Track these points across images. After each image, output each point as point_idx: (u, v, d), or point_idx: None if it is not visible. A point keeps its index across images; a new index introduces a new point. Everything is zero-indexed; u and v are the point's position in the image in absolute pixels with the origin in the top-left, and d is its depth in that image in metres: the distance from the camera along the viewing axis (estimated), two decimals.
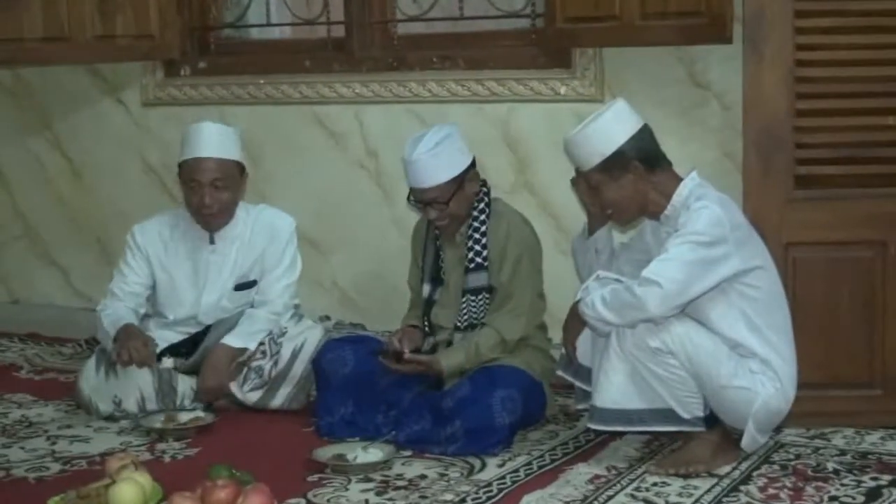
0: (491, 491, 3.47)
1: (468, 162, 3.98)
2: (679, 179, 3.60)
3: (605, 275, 3.68)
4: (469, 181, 3.97)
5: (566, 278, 4.12)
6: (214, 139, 4.29)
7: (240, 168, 4.38)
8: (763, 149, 3.84)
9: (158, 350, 4.34)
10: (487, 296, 4.01)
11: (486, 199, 4.05)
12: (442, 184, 3.90)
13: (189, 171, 4.29)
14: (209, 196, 4.26)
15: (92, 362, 4.41)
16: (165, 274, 4.45)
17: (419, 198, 3.98)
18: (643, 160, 3.57)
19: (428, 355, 4.01)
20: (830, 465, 3.60)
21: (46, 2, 4.89)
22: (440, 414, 3.86)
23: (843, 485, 3.44)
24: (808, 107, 3.82)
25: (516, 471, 3.64)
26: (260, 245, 4.43)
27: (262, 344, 4.34)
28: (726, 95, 4.29)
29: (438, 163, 3.90)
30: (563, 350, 3.84)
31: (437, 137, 3.93)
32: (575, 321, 3.67)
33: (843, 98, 3.81)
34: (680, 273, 3.39)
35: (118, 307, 4.40)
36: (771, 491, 3.41)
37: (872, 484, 3.43)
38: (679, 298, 3.41)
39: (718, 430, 3.63)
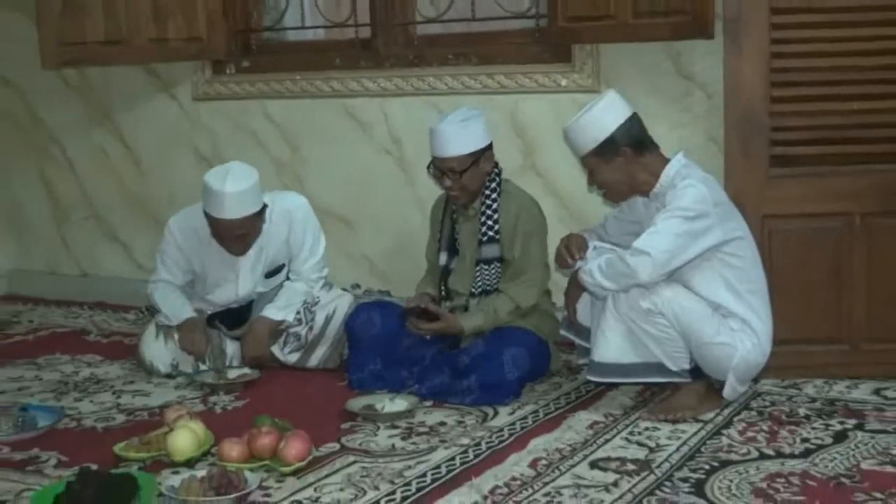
0: (503, 436, 3.49)
1: (486, 143, 3.99)
2: (666, 161, 3.62)
3: (600, 245, 3.73)
4: (484, 160, 3.97)
5: None
6: (235, 201, 4.06)
7: (260, 212, 4.20)
8: (742, 132, 3.84)
9: (209, 314, 4.40)
10: (499, 265, 4.00)
11: (497, 178, 4.04)
12: (461, 155, 3.91)
13: (215, 225, 4.16)
14: (234, 243, 4.21)
15: (152, 328, 4.44)
16: (201, 268, 4.40)
17: (439, 165, 3.98)
18: (632, 145, 3.59)
19: (451, 314, 4.02)
20: (802, 411, 3.62)
21: (107, 9, 4.89)
22: (457, 369, 3.88)
23: (813, 428, 3.46)
24: (782, 94, 3.82)
25: (525, 418, 3.67)
26: (281, 233, 4.36)
27: (298, 312, 4.34)
28: (709, 85, 4.27)
29: (461, 136, 3.92)
30: (566, 312, 3.85)
31: (464, 115, 3.96)
32: (575, 287, 3.70)
33: (813, 86, 3.81)
34: (668, 244, 3.41)
35: (169, 292, 4.40)
36: (749, 434, 3.43)
37: (839, 427, 3.45)
38: (667, 266, 3.43)
39: (702, 381, 3.65)
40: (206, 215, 4.16)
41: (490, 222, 3.99)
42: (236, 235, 4.17)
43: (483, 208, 4.01)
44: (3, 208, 6.13)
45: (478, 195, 4.02)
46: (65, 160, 5.90)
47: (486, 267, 4.01)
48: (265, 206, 4.21)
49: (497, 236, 3.99)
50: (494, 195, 4.01)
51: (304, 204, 4.42)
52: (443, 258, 4.14)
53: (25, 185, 6.04)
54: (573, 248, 3.69)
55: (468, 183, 3.96)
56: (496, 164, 4.06)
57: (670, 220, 3.43)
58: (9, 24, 5.80)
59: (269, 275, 4.40)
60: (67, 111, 5.82)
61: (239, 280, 4.38)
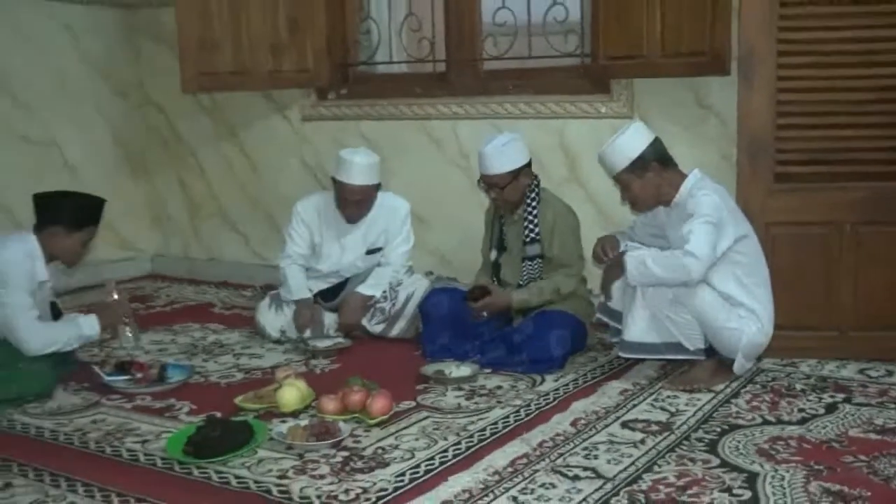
0: (549, 398, 3.47)
1: (524, 161, 3.95)
2: (684, 176, 3.59)
3: (631, 244, 3.70)
4: (523, 176, 3.94)
5: None
6: (361, 170, 4.22)
7: (376, 186, 4.34)
8: (751, 153, 3.77)
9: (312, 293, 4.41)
10: (541, 261, 3.97)
11: (536, 189, 4.00)
12: (502, 173, 3.89)
13: (340, 189, 4.28)
14: (352, 209, 4.31)
15: (266, 301, 4.47)
16: (319, 238, 4.45)
17: (485, 181, 3.97)
18: (659, 161, 3.56)
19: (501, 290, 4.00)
20: (798, 386, 3.54)
21: (234, 46, 4.88)
22: (511, 346, 3.86)
23: (808, 400, 3.39)
24: (786, 122, 3.73)
25: (567, 385, 3.63)
26: (383, 222, 4.43)
27: (384, 291, 4.34)
28: (723, 113, 4.20)
29: (502, 157, 3.89)
30: (602, 298, 3.79)
31: (504, 139, 3.93)
32: (611, 275, 3.64)
33: (812, 116, 3.72)
34: (707, 245, 3.36)
35: (295, 272, 4.41)
36: (754, 404, 3.37)
37: (830, 400, 3.38)
38: (709, 263, 3.38)
39: (715, 358, 3.60)
40: (336, 182, 4.29)
41: (531, 226, 3.96)
42: (355, 201, 4.27)
43: (525, 214, 3.98)
44: (149, 205, 6.18)
45: (520, 204, 3.99)
46: (198, 167, 5.93)
47: (530, 263, 3.98)
48: (379, 184, 4.33)
49: (538, 237, 3.96)
50: (535, 203, 3.97)
51: (406, 205, 4.49)
52: (493, 255, 4.11)
53: (167, 186, 6.09)
54: (607, 247, 3.69)
55: (508, 195, 3.94)
56: (535, 177, 4.02)
57: (701, 226, 3.37)
58: (157, 57, 5.86)
59: (368, 253, 4.43)
60: (201, 128, 5.85)
61: (344, 251, 4.42)
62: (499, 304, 3.96)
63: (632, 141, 3.55)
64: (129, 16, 5.91)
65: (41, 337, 3.60)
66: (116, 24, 5.87)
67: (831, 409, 3.29)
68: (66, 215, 3.67)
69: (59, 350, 3.67)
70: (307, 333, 4.26)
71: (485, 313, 3.96)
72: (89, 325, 3.73)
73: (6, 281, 3.53)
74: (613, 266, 3.63)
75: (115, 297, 3.87)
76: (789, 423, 3.16)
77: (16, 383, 3.47)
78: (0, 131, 5.32)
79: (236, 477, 2.79)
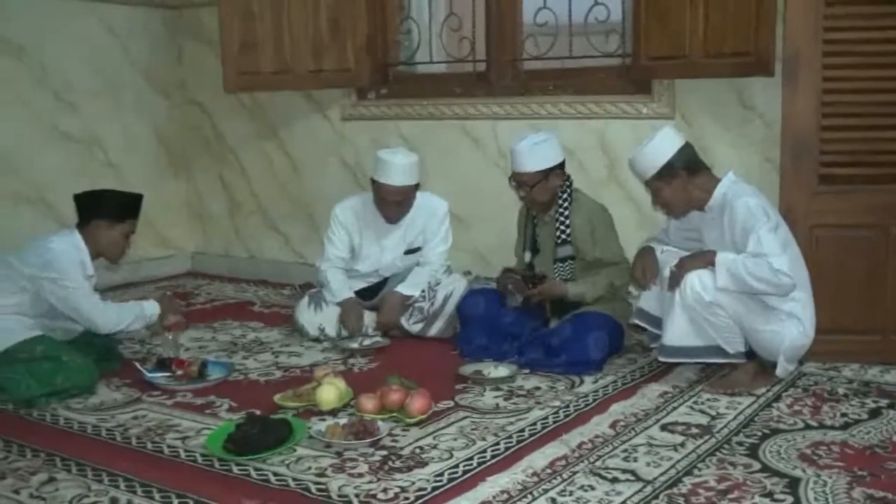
0: (588, 400, 3.45)
1: (556, 162, 3.93)
2: (717, 179, 3.56)
3: (667, 249, 3.70)
4: (554, 176, 3.93)
5: None
6: (400, 170, 4.22)
7: (415, 186, 4.35)
8: (795, 155, 3.73)
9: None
10: (572, 262, 3.96)
11: (568, 191, 3.99)
12: (531, 172, 3.89)
13: (379, 189, 4.29)
14: (391, 209, 4.33)
15: (306, 300, 4.48)
16: (358, 239, 4.47)
17: (515, 178, 3.96)
18: (687, 168, 3.53)
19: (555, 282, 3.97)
20: (841, 390, 3.50)
21: (276, 46, 4.94)
22: (550, 348, 3.85)
23: (850, 405, 3.35)
24: (830, 124, 3.69)
25: (606, 387, 3.61)
26: (422, 222, 4.45)
27: (423, 291, 4.34)
28: (767, 115, 4.15)
29: (532, 156, 3.88)
30: (666, 273, 3.62)
31: (538, 138, 3.93)
32: (697, 261, 3.49)
33: (858, 117, 3.68)
34: (782, 254, 3.32)
35: (336, 274, 4.43)
36: (796, 408, 3.33)
37: (873, 405, 3.33)
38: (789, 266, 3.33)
39: (755, 361, 3.57)
40: (374, 183, 4.29)
41: (563, 227, 3.95)
42: (395, 201, 4.28)
43: (556, 216, 3.97)
44: (190, 203, 6.24)
45: (551, 205, 3.99)
46: (238, 166, 5.97)
47: (561, 264, 3.97)
48: (418, 184, 4.34)
49: (569, 239, 3.95)
50: (566, 205, 3.97)
51: (445, 206, 4.49)
52: (527, 256, 4.10)
53: (208, 184, 6.14)
54: (648, 273, 3.68)
55: (537, 195, 3.93)
56: (568, 179, 4.00)
57: (765, 235, 3.33)
58: (200, 57, 5.91)
59: (407, 252, 4.45)
60: (242, 127, 5.89)
61: (384, 252, 4.45)
62: (555, 292, 3.94)
63: (659, 148, 3.53)
64: (172, 16, 5.97)
65: (109, 315, 3.78)
66: (159, 25, 5.93)
67: (875, 414, 3.24)
68: (107, 209, 3.79)
69: (126, 329, 3.86)
70: (346, 332, 4.29)
71: (519, 297, 3.93)
72: (150, 306, 3.93)
73: (64, 269, 3.66)
74: (693, 258, 3.52)
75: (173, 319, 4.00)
76: (832, 427, 3.13)
77: (60, 375, 3.53)
78: (43, 129, 5.40)
79: (275, 474, 2.81)
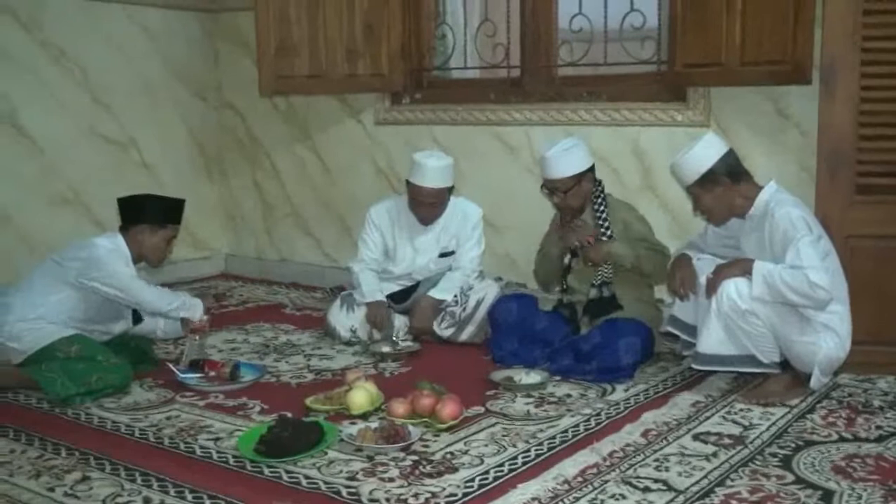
0: (619, 408, 3.44)
1: (587, 166, 3.94)
2: (759, 188, 3.54)
3: (703, 256, 3.68)
4: (586, 181, 3.94)
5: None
6: (434, 173, 4.28)
7: (449, 189, 4.39)
8: (832, 164, 3.70)
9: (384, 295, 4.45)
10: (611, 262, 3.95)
11: (602, 194, 3.99)
12: (564, 177, 3.89)
13: (414, 191, 4.34)
14: (425, 211, 4.38)
15: (338, 302, 4.50)
16: (392, 242, 4.50)
17: (547, 185, 3.97)
18: (730, 175, 3.52)
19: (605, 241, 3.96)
20: (876, 402, 3.46)
21: (311, 50, 4.96)
22: (580, 354, 3.84)
23: (886, 418, 3.30)
24: (868, 133, 3.66)
25: (637, 395, 3.59)
26: (455, 226, 4.47)
27: (455, 296, 4.35)
28: (803, 124, 4.12)
29: (564, 162, 3.89)
30: (702, 281, 3.58)
31: (567, 145, 3.93)
32: (734, 269, 3.46)
33: None
34: (823, 268, 3.28)
35: (368, 276, 4.46)
36: (830, 420, 3.29)
37: None
38: (828, 279, 3.29)
39: (790, 372, 3.54)
40: (409, 185, 4.35)
41: (603, 228, 3.95)
42: (429, 203, 4.33)
43: (596, 217, 3.98)
44: (224, 205, 6.29)
45: (583, 209, 3.99)
46: (272, 169, 6.01)
47: (604, 264, 3.95)
48: (452, 187, 4.37)
49: (609, 237, 3.94)
50: (603, 206, 3.97)
51: (479, 211, 4.52)
52: (567, 258, 4.08)
53: (241, 187, 6.19)
54: (687, 285, 3.63)
55: (571, 200, 3.94)
56: (599, 182, 4.01)
57: (806, 248, 3.29)
58: (235, 60, 5.96)
59: (441, 256, 4.47)
60: (276, 130, 5.93)
61: (417, 254, 4.48)
62: (603, 249, 3.91)
63: (702, 155, 3.52)
64: (209, 20, 6.02)
65: (158, 295, 3.94)
66: (196, 28, 5.99)
67: None
68: (150, 214, 3.86)
69: (174, 310, 4.00)
70: (377, 335, 4.30)
71: (576, 242, 3.96)
72: (194, 300, 4.08)
73: (109, 262, 3.76)
74: (730, 265, 3.49)
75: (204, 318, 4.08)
76: (866, 440, 3.09)
77: (94, 375, 3.57)
78: (80, 130, 5.46)
79: (306, 477, 2.82)
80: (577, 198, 3.94)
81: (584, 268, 4.00)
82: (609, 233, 3.94)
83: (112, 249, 3.79)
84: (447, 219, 4.45)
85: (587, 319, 4.00)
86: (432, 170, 4.27)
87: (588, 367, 3.76)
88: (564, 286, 4.08)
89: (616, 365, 3.72)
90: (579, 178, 3.90)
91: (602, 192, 4.01)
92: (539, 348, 3.96)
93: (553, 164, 3.89)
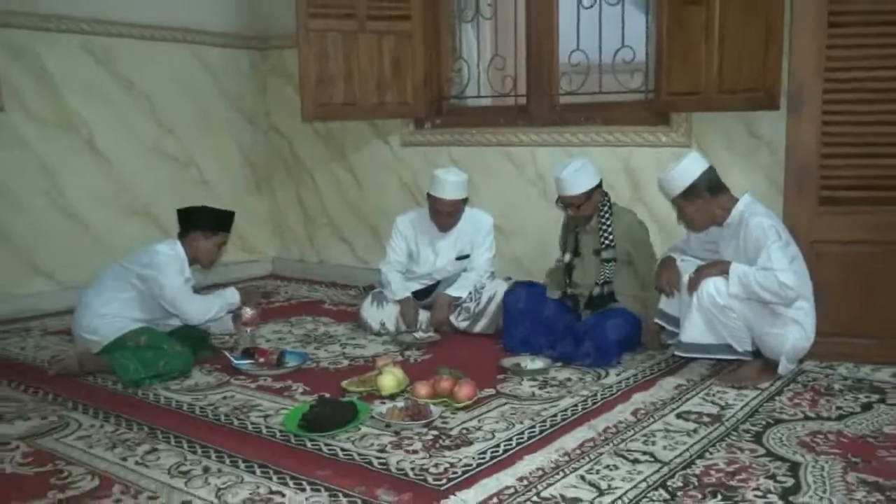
0: (612, 390, 3.43)
1: (596, 182, 3.93)
2: (735, 200, 3.53)
3: (684, 258, 3.67)
4: (596, 194, 3.93)
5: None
6: (452, 187, 4.29)
7: (464, 200, 4.40)
8: (798, 179, 3.69)
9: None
10: (614, 263, 3.94)
11: (608, 204, 3.98)
12: (578, 194, 3.88)
13: (434, 202, 4.35)
14: (444, 219, 4.38)
15: (369, 299, 4.51)
16: (415, 246, 4.51)
17: (563, 201, 3.96)
18: (709, 189, 3.51)
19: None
20: (837, 386, 3.44)
21: (346, 82, 4.99)
22: (577, 337, 3.84)
23: (845, 399, 3.29)
24: (830, 152, 3.64)
25: (628, 379, 3.59)
26: (470, 233, 4.47)
27: (469, 293, 4.35)
28: (773, 143, 4.10)
29: (577, 181, 3.87)
30: (685, 279, 3.56)
31: (577, 165, 3.91)
32: (713, 269, 3.45)
33: (855, 146, 3.62)
34: (791, 270, 3.28)
35: (396, 276, 4.46)
36: (796, 401, 3.28)
37: (865, 400, 3.27)
38: (795, 279, 3.28)
39: (761, 359, 3.52)
40: (430, 197, 4.36)
41: (606, 234, 3.94)
42: (447, 213, 4.34)
43: (600, 225, 3.96)
44: (271, 215, 6.31)
45: (593, 217, 3.97)
46: (312, 184, 6.03)
47: (606, 265, 3.95)
48: (467, 199, 4.42)
49: (612, 244, 3.94)
50: (608, 216, 3.96)
51: (490, 219, 4.53)
52: (567, 257, 4.08)
53: (286, 200, 6.21)
54: (672, 283, 3.62)
55: (584, 211, 3.94)
56: (606, 194, 4.00)
57: (776, 252, 3.29)
58: (281, 91, 5.99)
59: (458, 259, 4.47)
60: (316, 151, 5.95)
61: (437, 256, 4.47)
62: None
63: (685, 171, 3.51)
64: (258, 56, 6.05)
65: (199, 307, 3.89)
66: (247, 63, 6.02)
67: (867, 407, 3.18)
68: (204, 222, 3.88)
69: (213, 318, 3.96)
70: (403, 327, 4.30)
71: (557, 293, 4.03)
72: (231, 294, 4.07)
73: (166, 269, 3.76)
74: (708, 267, 3.48)
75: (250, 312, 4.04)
76: (828, 419, 3.07)
77: (161, 361, 3.60)
78: (148, 151, 5.50)
79: (342, 449, 2.83)
80: (588, 209, 3.93)
81: (587, 265, 4.01)
82: (610, 242, 3.93)
83: (171, 255, 3.81)
84: (462, 227, 4.45)
85: (588, 311, 4.00)
86: (450, 184, 4.28)
87: (584, 348, 3.76)
88: (568, 281, 4.08)
89: (604, 341, 3.73)
90: (590, 193, 3.90)
91: (608, 202, 4.00)
92: (545, 334, 3.95)
93: (567, 184, 3.88)
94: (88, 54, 5.15)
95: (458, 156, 5.19)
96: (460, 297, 4.36)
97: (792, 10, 3.63)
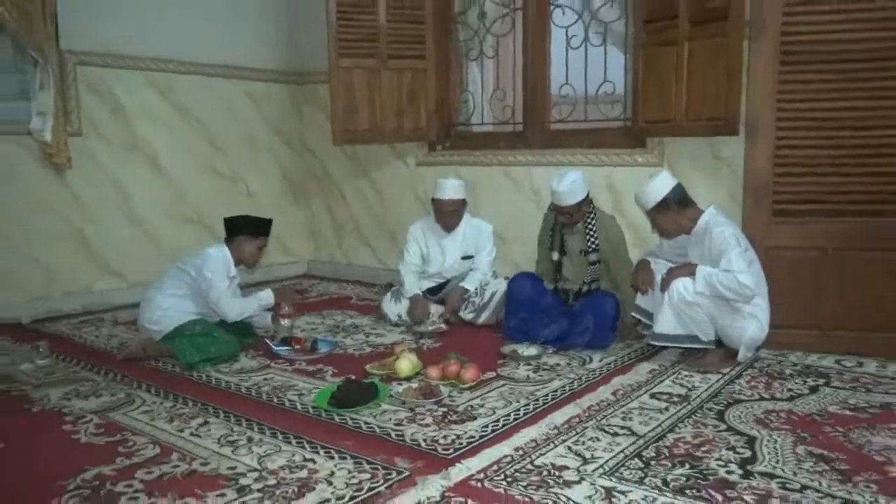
0: (595, 374, 3.43)
1: (585, 194, 3.91)
2: (701, 211, 3.52)
3: (659, 261, 3.65)
4: (585, 203, 3.91)
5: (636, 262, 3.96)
6: (451, 188, 4.33)
7: (463, 201, 4.39)
8: (755, 194, 3.67)
9: (422, 290, 4.43)
10: (599, 264, 3.93)
11: (594, 211, 3.96)
12: (571, 205, 3.86)
13: (437, 204, 4.36)
14: (447, 218, 4.37)
15: (389, 295, 4.50)
16: (426, 249, 4.51)
17: (557, 210, 3.93)
18: (678, 202, 3.50)
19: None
20: (788, 371, 3.42)
21: (370, 111, 4.99)
22: (574, 315, 3.83)
23: (795, 383, 3.27)
24: (782, 171, 3.62)
25: (609, 364, 3.58)
26: (473, 237, 4.46)
27: (475, 288, 4.35)
28: (733, 164, 4.08)
29: (570, 193, 3.85)
30: (658, 279, 3.57)
31: (572, 178, 3.87)
32: (683, 271, 3.45)
33: (803, 167, 3.60)
34: (749, 272, 3.28)
35: (410, 276, 4.45)
36: (753, 384, 3.27)
37: (812, 383, 3.25)
38: (752, 281, 3.27)
39: (723, 348, 3.51)
40: (434, 200, 4.37)
41: (592, 237, 3.93)
42: (449, 211, 4.34)
43: (586, 229, 3.94)
44: (306, 224, 6.30)
45: (581, 220, 3.95)
46: (341, 197, 6.02)
47: (592, 266, 3.94)
48: (466, 200, 4.42)
49: (597, 247, 3.93)
50: (594, 221, 3.94)
51: (490, 227, 4.52)
52: (555, 255, 4.05)
53: (319, 210, 6.21)
54: (647, 282, 3.61)
55: (576, 218, 3.92)
56: (591, 202, 3.99)
57: (737, 256, 3.28)
58: (315, 118, 6.00)
59: (463, 258, 4.47)
60: (344, 169, 5.95)
61: (445, 256, 4.47)
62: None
63: (657, 188, 3.50)
64: (296, 89, 6.06)
65: (237, 308, 3.88)
66: (286, 94, 6.02)
67: (814, 390, 3.17)
68: (247, 227, 3.90)
69: (250, 317, 3.95)
70: (417, 321, 4.29)
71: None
72: (266, 295, 4.04)
73: (213, 269, 3.77)
74: (675, 269, 3.48)
75: (287, 309, 4.04)
76: (780, 399, 3.07)
77: (213, 347, 3.61)
78: (202, 169, 5.51)
79: (365, 423, 2.84)
80: (579, 216, 3.92)
81: (574, 263, 3.98)
82: (595, 244, 3.91)
83: (219, 257, 3.81)
84: (466, 231, 4.43)
85: (577, 303, 3.98)
86: (449, 186, 4.32)
87: (584, 324, 3.73)
88: (558, 276, 4.05)
89: (604, 314, 3.73)
90: (580, 203, 3.88)
91: (593, 209, 3.98)
92: (541, 319, 3.91)
93: (563, 196, 3.85)
94: (152, 88, 5.18)
95: (465, 174, 5.18)
96: (469, 290, 4.36)
97: (750, 49, 3.62)
